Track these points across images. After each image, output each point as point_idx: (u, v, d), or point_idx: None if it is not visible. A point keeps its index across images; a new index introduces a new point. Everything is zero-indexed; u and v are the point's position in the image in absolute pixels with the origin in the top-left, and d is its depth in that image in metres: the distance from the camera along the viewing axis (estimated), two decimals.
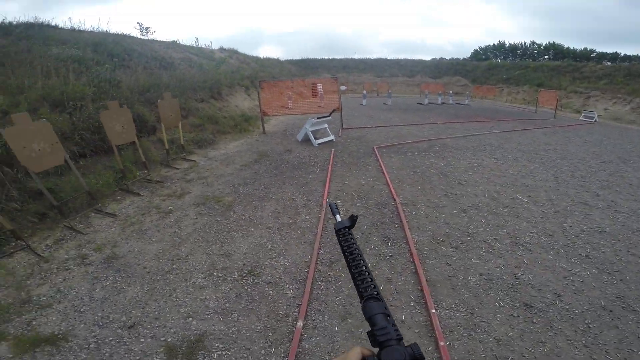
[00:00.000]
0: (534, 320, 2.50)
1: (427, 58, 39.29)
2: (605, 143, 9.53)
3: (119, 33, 13.14)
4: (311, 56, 34.25)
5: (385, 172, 5.56)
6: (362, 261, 0.58)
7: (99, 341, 2.40)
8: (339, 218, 0.69)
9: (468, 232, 3.77)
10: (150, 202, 4.49)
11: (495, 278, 2.99)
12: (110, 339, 2.42)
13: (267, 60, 26.23)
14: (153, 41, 14.72)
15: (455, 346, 2.30)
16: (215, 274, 3.04)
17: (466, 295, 2.78)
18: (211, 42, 25.71)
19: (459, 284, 2.92)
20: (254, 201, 4.44)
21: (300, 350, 2.33)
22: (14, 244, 3.38)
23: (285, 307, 2.66)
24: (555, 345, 2.28)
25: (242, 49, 23.33)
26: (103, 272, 3.09)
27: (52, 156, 3.77)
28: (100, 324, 2.55)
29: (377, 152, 6.92)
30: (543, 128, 11.65)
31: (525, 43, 45.05)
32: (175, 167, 5.97)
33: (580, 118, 15.82)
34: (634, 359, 2.15)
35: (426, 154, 7.05)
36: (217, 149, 7.32)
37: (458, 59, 39.77)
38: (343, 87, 21.92)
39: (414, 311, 2.60)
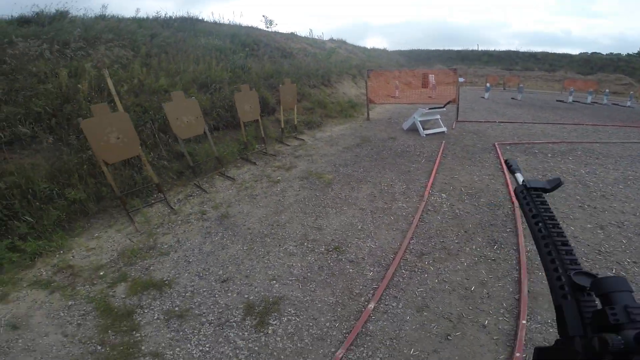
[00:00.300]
0: None
1: (574, 52, 31.62)
2: None
3: (249, 25, 14.89)
4: (422, 47, 31.87)
5: (506, 172, 4.79)
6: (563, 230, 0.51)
7: (195, 290, 2.72)
8: (520, 177, 0.62)
9: (599, 251, 3.01)
10: (263, 171, 5.04)
11: None
12: (204, 289, 2.73)
13: (374, 50, 25.75)
14: (275, 33, 16.10)
15: None
16: (305, 244, 3.21)
17: None
18: (322, 34, 26.75)
19: None
20: (351, 182, 4.50)
21: (364, 330, 2.30)
22: (155, 195, 4.07)
23: (360, 287, 2.65)
24: None
25: (350, 40, 23.55)
26: (215, 228, 3.54)
27: (196, 127, 4.60)
28: (201, 275, 2.88)
29: (498, 148, 5.99)
30: None
31: None
32: (287, 144, 6.55)
33: None
34: None
35: (563, 158, 5.73)
36: (323, 131, 7.69)
37: (620, 54, 30.54)
38: (461, 79, 19.70)
39: (500, 318, 2.29)
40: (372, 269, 2.84)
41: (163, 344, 2.28)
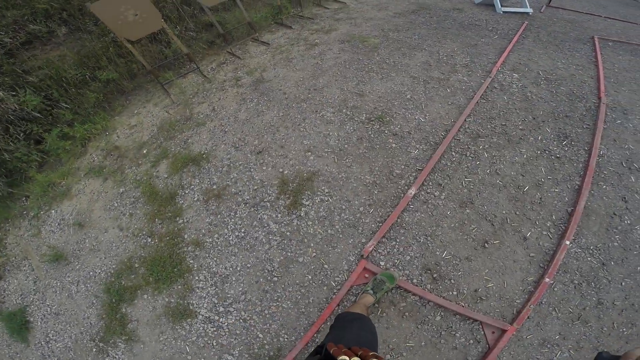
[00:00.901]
0: None
1: None
2: None
3: None
4: None
5: (600, 65, 3.78)
6: None
7: (231, 164, 2.61)
8: None
9: None
10: (300, 34, 4.45)
11: None
12: (240, 162, 2.61)
13: None
14: None
15: (555, 289, 1.82)
16: (344, 111, 2.86)
17: (615, 244, 1.98)
18: None
19: (619, 227, 2.05)
20: (402, 48, 3.75)
21: (399, 221, 2.09)
22: (188, 66, 3.93)
23: (402, 167, 2.34)
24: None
25: None
26: (250, 94, 3.28)
27: None
28: (237, 146, 2.75)
29: (597, 42, 4.71)
30: None
31: None
32: (326, 7, 5.62)
33: None
34: None
35: None
36: None
37: None
38: None
39: (545, 232, 2.00)
40: (418, 146, 2.49)
41: (203, 231, 2.32)
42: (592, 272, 1.91)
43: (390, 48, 3.76)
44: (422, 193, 2.20)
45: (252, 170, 2.56)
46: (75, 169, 3.04)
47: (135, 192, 2.69)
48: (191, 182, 2.60)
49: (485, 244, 1.99)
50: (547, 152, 2.45)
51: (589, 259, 1.95)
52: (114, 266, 2.35)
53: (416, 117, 2.72)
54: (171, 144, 2.94)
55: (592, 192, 2.21)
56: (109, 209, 2.66)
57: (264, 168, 2.55)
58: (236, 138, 2.83)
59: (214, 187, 2.53)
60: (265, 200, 2.37)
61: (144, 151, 2.98)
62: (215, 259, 2.21)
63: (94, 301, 2.25)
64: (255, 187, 2.45)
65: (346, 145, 2.56)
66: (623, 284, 1.86)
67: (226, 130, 2.94)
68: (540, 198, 2.18)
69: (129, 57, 3.71)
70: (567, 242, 1.97)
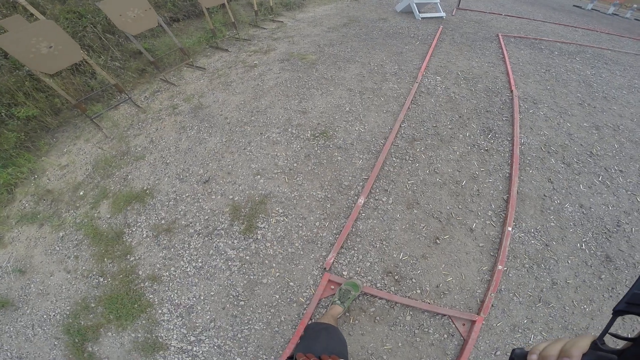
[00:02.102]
0: (602, 277, 2.01)
1: None
2: None
3: None
4: None
5: (507, 61, 4.31)
6: None
7: (177, 197, 2.51)
8: None
9: (591, 152, 2.86)
10: (237, 57, 4.42)
11: (595, 217, 2.31)
12: (187, 194, 2.52)
13: None
14: None
15: (510, 275, 1.97)
16: (289, 130, 2.90)
17: (552, 224, 2.23)
18: None
19: (552, 208, 2.32)
20: (338, 62, 3.94)
21: (354, 230, 2.17)
22: (118, 97, 3.70)
23: (350, 178, 2.44)
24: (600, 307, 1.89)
25: None
26: (189, 122, 3.18)
27: (146, 20, 3.85)
28: (181, 177, 2.65)
29: (501, 39, 5.36)
30: None
31: None
32: (263, 27, 5.66)
33: None
34: None
35: (570, 58, 5.25)
36: (305, 12, 6.59)
37: None
38: None
39: (488, 222, 2.19)
40: (361, 156, 2.61)
41: (158, 265, 2.21)
42: (538, 254, 2.09)
43: (327, 63, 3.92)
44: (371, 200, 2.31)
45: (200, 200, 2.49)
46: (4, 217, 2.72)
47: (77, 234, 2.49)
48: (137, 220, 2.46)
49: (437, 240, 2.12)
50: (476, 146, 2.72)
51: (533, 241, 2.14)
52: (68, 307, 2.16)
53: (356, 129, 2.86)
54: (110, 182, 2.76)
55: (522, 177, 2.48)
56: (51, 253, 2.43)
57: (213, 197, 2.49)
58: (179, 169, 2.72)
59: (163, 221, 2.42)
60: (218, 228, 2.31)
61: (81, 193, 2.75)
62: (176, 291, 2.12)
63: (56, 343, 2.05)
64: (207, 217, 2.38)
65: (295, 164, 2.60)
66: (569, 262, 2.07)
67: (168, 161, 2.81)
68: (478, 190, 2.39)
69: (50, 91, 3.41)
70: (510, 229, 2.14)
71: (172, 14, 4.94)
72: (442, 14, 6.42)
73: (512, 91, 3.50)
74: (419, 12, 6.21)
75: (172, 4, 4.97)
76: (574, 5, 13.53)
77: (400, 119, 2.87)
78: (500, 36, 5.50)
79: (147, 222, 2.43)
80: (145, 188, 2.64)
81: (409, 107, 3.04)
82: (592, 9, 13.44)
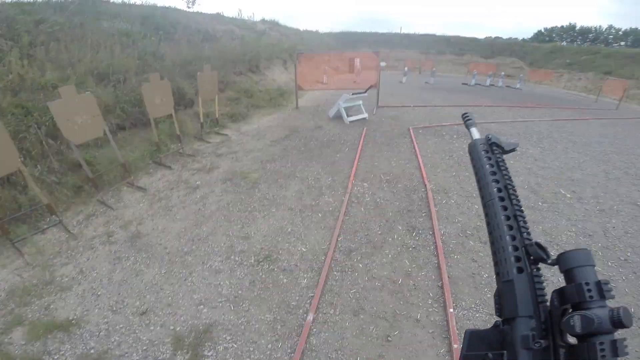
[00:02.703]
0: None
1: (481, 36, 36.26)
2: None
3: (167, 6, 13.50)
4: (352, 29, 32.79)
5: (418, 155, 5.24)
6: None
7: (110, 328, 2.39)
8: (476, 132, 0.55)
9: None
10: (180, 176, 4.55)
11: None
12: (121, 325, 2.40)
13: (307, 32, 25.61)
14: (197, 13, 14.94)
15: None
16: (232, 257, 3.00)
17: (488, 295, 2.57)
18: (253, 14, 25.62)
19: (483, 282, 2.71)
20: (279, 179, 4.42)
21: (308, 346, 2.25)
22: (48, 219, 3.42)
23: (297, 298, 2.59)
24: None
25: (283, 21, 23.05)
26: (125, 252, 3.09)
27: (92, 128, 3.80)
28: (114, 309, 2.53)
29: (412, 133, 6.52)
30: (602, 119, 10.18)
31: (600, 27, 41.01)
32: (208, 141, 6.08)
33: None
34: None
35: (465, 139, 6.51)
36: (250, 123, 7.37)
37: (516, 39, 35.76)
38: (382, 64, 20.65)
39: (430, 309, 2.46)
40: (305, 275, 2.80)
41: None
42: (487, 324, 2.33)
43: (268, 181, 4.37)
44: (320, 315, 2.46)
45: (137, 331, 2.37)
46: None
47: None
48: (60, 348, 2.25)
49: (388, 338, 2.28)
50: (404, 246, 3.15)
51: (477, 314, 2.41)
52: None
53: (299, 249, 3.12)
54: (27, 311, 2.52)
55: (449, 264, 2.88)
56: None
57: (152, 328, 2.39)
58: (112, 301, 2.60)
59: (92, 351, 2.24)
60: (159, 358, 2.20)
61: None
62: None
63: None
64: (145, 347, 2.27)
65: (240, 291, 2.65)
66: None
67: (99, 293, 2.67)
68: (414, 284, 2.71)
69: None
70: (451, 310, 2.41)
71: (119, 120, 5.00)
72: (365, 115, 7.67)
73: (425, 185, 4.22)
74: (347, 115, 7.35)
75: (121, 110, 5.08)
76: (462, 84, 16.96)
77: (336, 233, 3.25)
78: (411, 130, 6.69)
79: (73, 351, 2.22)
80: (70, 318, 2.45)
81: (342, 220, 3.48)
82: (475, 84, 16.95)
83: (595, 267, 0.36)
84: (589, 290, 0.34)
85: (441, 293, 2.57)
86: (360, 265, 2.90)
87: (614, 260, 3.02)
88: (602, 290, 0.34)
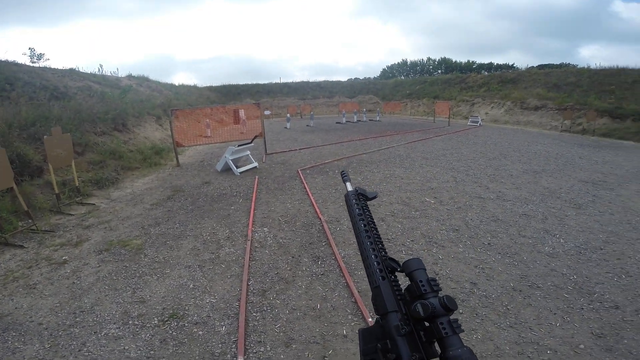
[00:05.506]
0: (460, 311, 2.68)
1: (344, 79, 42.06)
2: (489, 143, 11.54)
3: (4, 60, 11.23)
4: (233, 82, 33.94)
5: (309, 193, 5.64)
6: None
7: None
8: (350, 185, 0.72)
9: (388, 238, 4.02)
10: (38, 253, 3.85)
11: None
12: None
13: (183, 87, 25.15)
14: (45, 69, 13.04)
15: None
16: (130, 322, 2.68)
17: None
18: (118, 69, 23.55)
19: None
20: (168, 241, 4.00)
21: None
22: None
23: (220, 345, 2.43)
24: (486, 330, 2.47)
25: (154, 76, 21.95)
26: None
27: None
28: None
29: (301, 174, 7.01)
30: (440, 136, 13.51)
31: (422, 60, 53.00)
32: (70, 213, 5.11)
33: (468, 123, 18.87)
34: (556, 332, 2.42)
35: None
36: (121, 188, 6.50)
37: (369, 78, 43.98)
38: (267, 112, 22.11)
39: (352, 323, 2.60)
40: (222, 323, 2.64)
41: None
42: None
43: (155, 244, 3.91)
44: (251, 355, 2.31)
45: None
46: None
47: None
48: None
49: (325, 358, 2.28)
50: (314, 274, 3.26)
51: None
52: None
53: (207, 301, 2.90)
54: None
55: (355, 280, 3.09)
56: None
57: None
58: None
59: None
60: None
61: None
62: None
63: None
64: None
65: (152, 352, 2.36)
66: None
67: None
68: (331, 305, 2.80)
69: None
70: (370, 319, 2.51)
71: None
72: (255, 163, 7.83)
73: (320, 219, 4.55)
74: (237, 166, 7.33)
75: None
76: (336, 122, 19.62)
77: (245, 278, 3.15)
78: (299, 172, 7.20)
79: None
80: None
81: (249, 265, 3.39)
82: (346, 122, 19.88)
83: (427, 270, 0.51)
84: (423, 286, 0.47)
85: (357, 307, 2.77)
86: (278, 301, 2.89)
87: (480, 245, 3.77)
88: (432, 285, 0.47)
